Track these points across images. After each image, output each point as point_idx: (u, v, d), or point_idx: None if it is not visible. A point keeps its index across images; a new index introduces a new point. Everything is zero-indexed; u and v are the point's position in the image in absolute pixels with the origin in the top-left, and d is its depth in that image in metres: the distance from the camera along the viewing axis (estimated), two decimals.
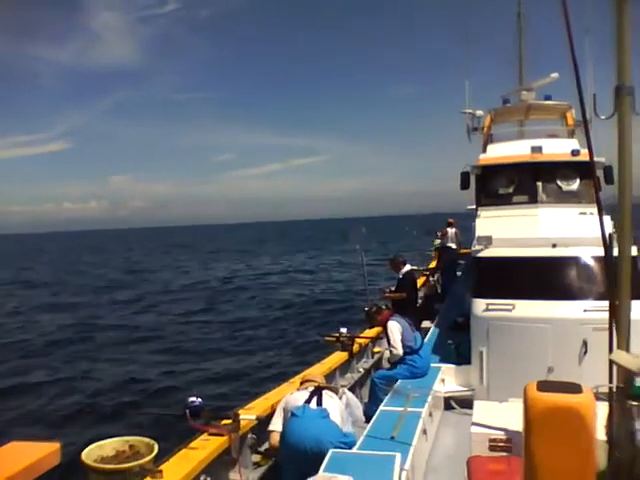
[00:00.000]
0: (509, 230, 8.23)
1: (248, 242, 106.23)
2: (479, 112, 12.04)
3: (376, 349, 9.46)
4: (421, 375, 7.59)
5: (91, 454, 3.91)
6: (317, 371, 6.91)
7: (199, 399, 4.82)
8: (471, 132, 12.08)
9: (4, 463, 2.29)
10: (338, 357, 8.13)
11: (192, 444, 4.66)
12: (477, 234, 8.30)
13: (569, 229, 8.01)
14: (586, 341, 6.92)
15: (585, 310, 7.09)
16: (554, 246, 7.69)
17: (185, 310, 27.71)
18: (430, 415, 6.45)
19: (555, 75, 10.42)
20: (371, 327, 9.56)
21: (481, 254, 8.07)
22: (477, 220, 8.96)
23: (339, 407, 5.36)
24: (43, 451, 2.40)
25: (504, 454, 4.92)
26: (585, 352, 6.94)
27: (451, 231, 16.88)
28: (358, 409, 6.43)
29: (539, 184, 8.95)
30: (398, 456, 4.56)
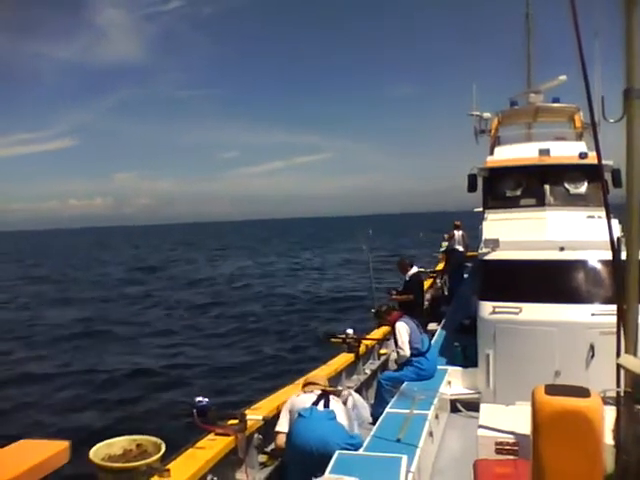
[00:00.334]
0: (516, 233, 8.21)
1: (253, 239, 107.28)
2: (486, 114, 12.03)
3: (382, 351, 9.46)
4: (427, 377, 7.58)
5: (99, 453, 3.94)
6: (323, 372, 6.92)
7: (206, 399, 4.84)
8: (478, 134, 12.07)
9: (14, 461, 2.30)
10: (344, 358, 8.13)
11: (199, 444, 4.68)
12: (484, 237, 8.29)
13: (577, 232, 7.98)
14: (593, 345, 6.89)
15: (592, 314, 7.06)
16: (562, 249, 7.66)
17: (193, 305, 28.44)
18: (436, 417, 6.45)
19: (563, 77, 10.40)
20: (379, 326, 9.61)
21: (488, 257, 8.05)
22: (484, 223, 8.94)
23: (345, 411, 5.38)
24: (52, 449, 2.41)
25: (511, 457, 4.91)
26: (592, 356, 6.91)
27: (458, 233, 16.85)
28: (365, 409, 6.44)
29: (547, 187, 8.93)
30: (404, 458, 4.56)
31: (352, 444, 5.00)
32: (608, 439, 3.29)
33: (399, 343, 7.75)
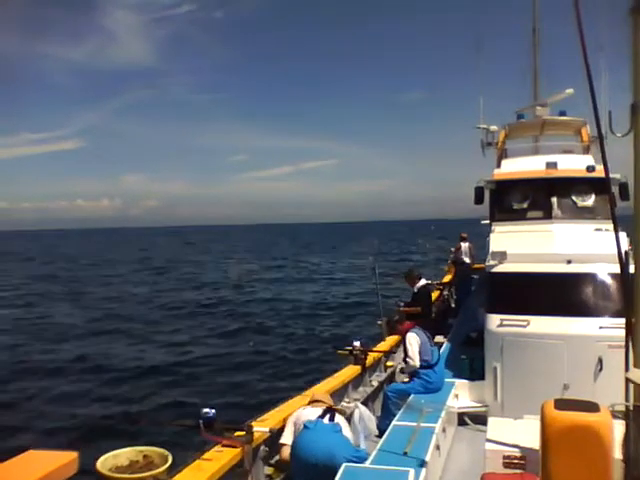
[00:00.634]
0: (523, 245, 8.20)
1: (261, 243, 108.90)
2: (493, 127, 12.06)
3: (389, 363, 9.42)
4: (435, 391, 7.55)
5: (106, 463, 3.93)
6: (329, 385, 6.92)
7: (213, 410, 4.83)
8: (485, 147, 12.09)
9: (22, 472, 2.30)
10: (351, 370, 8.11)
11: (205, 455, 4.67)
12: (491, 249, 8.28)
13: (584, 245, 7.96)
14: (601, 358, 6.85)
15: (601, 327, 7.03)
16: (569, 262, 7.65)
17: (199, 305, 29.48)
18: (444, 431, 6.41)
19: (570, 91, 10.41)
20: (391, 334, 9.73)
21: (495, 269, 8.03)
22: (491, 235, 8.92)
23: (350, 426, 5.40)
24: (61, 460, 2.42)
25: (518, 471, 4.88)
26: (600, 369, 6.87)
27: (464, 245, 16.84)
28: (371, 422, 6.41)
29: (554, 200, 8.92)
30: (412, 472, 4.54)
31: (358, 457, 4.98)
32: (617, 454, 3.27)
33: (409, 353, 7.72)
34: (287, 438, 5.33)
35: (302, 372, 15.65)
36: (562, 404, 3.07)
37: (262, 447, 5.43)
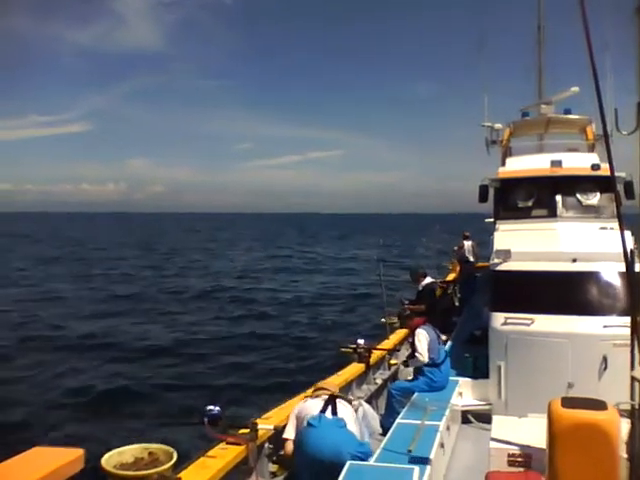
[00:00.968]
0: (528, 244, 8.18)
1: (267, 232, 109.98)
2: (498, 125, 12.02)
3: (393, 361, 9.43)
4: (439, 389, 7.54)
5: (111, 460, 3.95)
6: (333, 382, 6.92)
7: (217, 407, 4.84)
8: (490, 145, 12.06)
9: (28, 468, 2.31)
10: (355, 368, 8.12)
11: (210, 452, 4.69)
12: (495, 247, 8.25)
13: (589, 244, 7.94)
14: (606, 357, 6.84)
15: (605, 326, 7.02)
16: (574, 261, 7.62)
17: (202, 291, 30.21)
18: (448, 429, 6.42)
19: (575, 89, 10.38)
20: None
21: (500, 267, 8.01)
22: (495, 233, 8.90)
23: (353, 415, 5.36)
24: (67, 457, 2.43)
25: (522, 470, 4.88)
26: (605, 368, 6.86)
27: (467, 243, 16.79)
28: (374, 420, 6.41)
29: (559, 198, 8.89)
30: (416, 469, 4.54)
31: (363, 452, 4.99)
32: (622, 452, 3.27)
33: (418, 349, 7.68)
34: (290, 433, 5.33)
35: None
36: (569, 402, 3.07)
37: (266, 444, 5.44)
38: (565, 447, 2.99)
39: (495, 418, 6.13)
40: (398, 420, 6.34)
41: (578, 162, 9.13)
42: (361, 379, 8.29)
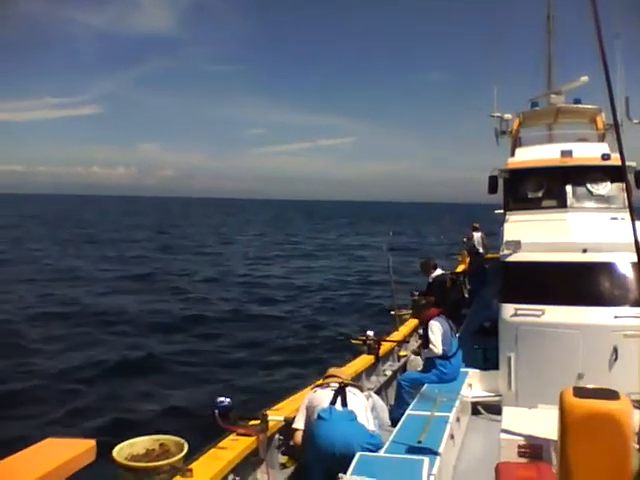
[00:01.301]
0: (538, 235, 8.14)
1: (279, 219, 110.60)
2: (507, 115, 11.96)
3: (402, 352, 9.44)
4: (448, 381, 7.53)
5: (122, 452, 3.98)
6: (345, 371, 6.93)
7: (228, 399, 4.87)
8: (499, 135, 12.01)
9: (40, 459, 2.33)
10: (364, 360, 8.13)
11: (221, 444, 4.72)
12: (505, 238, 8.22)
13: (600, 234, 7.90)
14: (617, 348, 6.82)
15: (616, 316, 6.99)
16: (584, 251, 7.58)
17: (209, 278, 30.52)
18: (457, 420, 6.42)
19: (585, 78, 10.31)
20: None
21: (510, 259, 7.98)
22: (505, 224, 8.87)
23: (363, 404, 5.35)
24: (79, 448, 2.44)
25: (533, 461, 4.87)
26: (615, 359, 6.84)
27: (477, 235, 16.74)
28: (384, 412, 6.41)
29: (569, 188, 8.84)
30: (426, 460, 4.55)
31: (374, 444, 5.00)
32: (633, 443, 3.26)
33: (432, 340, 7.61)
34: (299, 423, 5.34)
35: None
36: (581, 392, 3.05)
37: (277, 436, 5.47)
38: (577, 437, 2.98)
39: (505, 409, 6.12)
40: (408, 411, 6.35)
41: (588, 152, 9.07)
42: (370, 370, 8.30)
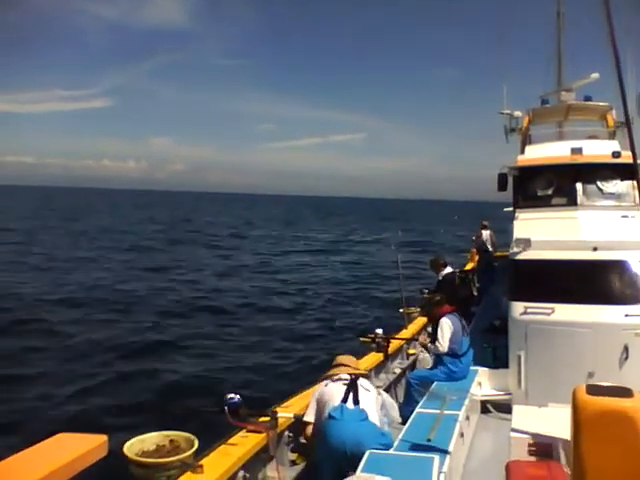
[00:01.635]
0: (548, 232, 8.10)
1: (291, 214, 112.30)
2: (517, 113, 11.93)
3: (411, 350, 9.43)
4: (458, 380, 7.51)
5: (133, 448, 4.00)
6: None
7: (237, 396, 4.88)
8: (509, 133, 11.96)
9: (52, 454, 2.34)
10: (373, 358, 8.13)
11: (231, 440, 4.73)
12: (515, 236, 8.19)
13: (610, 232, 7.86)
14: (627, 346, 6.79)
15: (627, 315, 6.96)
16: (595, 249, 7.54)
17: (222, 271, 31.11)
18: (467, 418, 6.41)
19: (596, 75, 10.26)
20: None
21: (519, 256, 7.95)
22: (515, 222, 8.84)
23: (375, 398, 5.31)
24: (91, 443, 2.45)
25: (543, 459, 4.86)
26: (626, 357, 6.81)
27: (486, 233, 16.71)
28: (394, 410, 6.40)
29: (579, 186, 8.80)
30: (436, 458, 4.54)
31: (384, 444, 4.97)
32: None
33: (439, 338, 7.61)
34: (310, 416, 5.30)
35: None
36: (594, 389, 3.04)
37: (286, 433, 5.47)
38: (590, 434, 2.96)
39: (515, 408, 6.11)
40: (417, 409, 6.34)
41: (599, 149, 9.02)
42: (380, 368, 8.30)
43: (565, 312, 7.21)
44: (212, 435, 4.72)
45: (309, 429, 5.29)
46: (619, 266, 7.52)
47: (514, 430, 5.34)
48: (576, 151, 8.98)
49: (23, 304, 19.66)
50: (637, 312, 6.87)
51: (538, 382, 7.25)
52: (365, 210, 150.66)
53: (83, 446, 2.41)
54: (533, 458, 4.96)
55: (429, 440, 5.28)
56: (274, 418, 5.07)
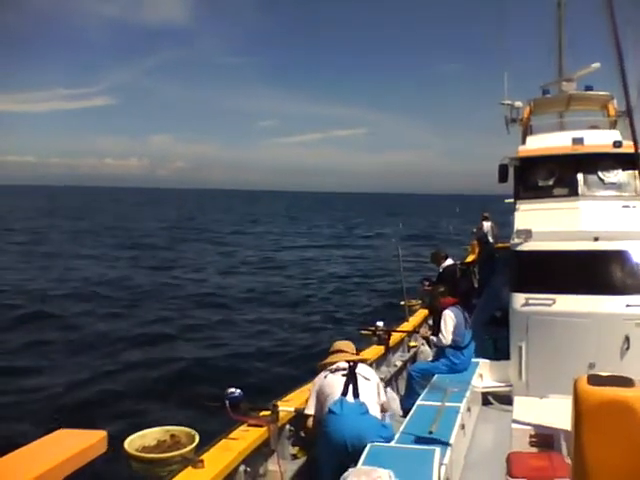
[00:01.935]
0: (549, 223, 8.07)
1: (292, 210, 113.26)
2: (518, 103, 11.87)
3: (412, 343, 9.42)
4: (459, 372, 7.51)
5: (133, 443, 3.99)
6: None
7: (238, 390, 4.86)
8: (510, 123, 11.92)
9: (52, 450, 2.33)
10: (374, 351, 8.11)
11: (232, 435, 4.72)
12: (516, 227, 8.17)
13: (611, 222, 7.83)
14: (628, 337, 6.78)
15: (628, 305, 6.95)
16: (596, 239, 7.52)
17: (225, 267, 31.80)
18: (468, 410, 6.41)
19: (596, 65, 10.21)
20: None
21: (520, 247, 7.93)
22: (516, 213, 8.81)
23: (374, 385, 5.29)
24: (91, 439, 2.44)
25: (545, 450, 4.86)
26: (627, 348, 6.81)
27: (487, 224, 16.69)
28: (395, 402, 6.40)
29: (580, 176, 8.77)
30: (437, 451, 4.54)
31: (386, 437, 4.96)
32: None
33: (442, 330, 7.62)
34: (311, 409, 5.30)
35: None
36: (596, 379, 3.02)
37: (287, 426, 5.47)
38: (592, 425, 2.95)
39: (516, 399, 6.11)
40: (418, 402, 6.34)
41: (600, 139, 8.97)
42: (380, 361, 8.29)
43: (566, 303, 7.20)
44: (213, 430, 4.71)
45: (310, 421, 5.29)
46: (620, 256, 7.50)
47: (515, 421, 5.34)
48: (577, 141, 8.94)
49: (31, 299, 20.25)
50: (638, 302, 6.86)
51: (539, 373, 7.25)
52: (367, 205, 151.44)
53: (83, 442, 2.40)
54: (534, 449, 4.96)
55: (430, 432, 5.28)
56: (275, 412, 5.05)
